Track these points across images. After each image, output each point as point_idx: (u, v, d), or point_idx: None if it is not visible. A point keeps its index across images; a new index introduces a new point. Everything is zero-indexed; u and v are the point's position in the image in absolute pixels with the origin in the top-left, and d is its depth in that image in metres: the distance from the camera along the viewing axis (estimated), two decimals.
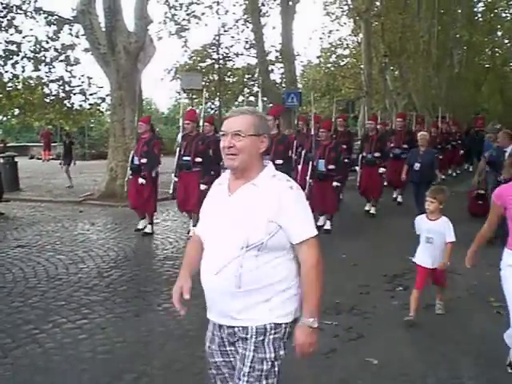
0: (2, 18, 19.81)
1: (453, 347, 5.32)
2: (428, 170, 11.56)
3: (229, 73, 34.03)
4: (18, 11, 20.01)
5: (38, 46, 21.12)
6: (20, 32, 20.46)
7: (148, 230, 10.95)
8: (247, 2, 27.12)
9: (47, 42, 21.18)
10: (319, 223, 10.99)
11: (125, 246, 9.79)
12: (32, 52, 21.08)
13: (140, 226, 11.14)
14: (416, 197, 11.48)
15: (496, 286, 7.22)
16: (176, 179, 10.70)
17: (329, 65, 44.76)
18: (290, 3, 24.77)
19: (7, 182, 16.52)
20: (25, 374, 4.83)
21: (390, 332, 5.75)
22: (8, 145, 30.82)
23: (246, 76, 34.42)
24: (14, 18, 20.12)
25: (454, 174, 22.63)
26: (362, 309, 6.46)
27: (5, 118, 31.15)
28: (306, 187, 10.65)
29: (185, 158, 10.48)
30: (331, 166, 11.00)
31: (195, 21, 28.75)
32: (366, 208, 13.40)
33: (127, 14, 16.39)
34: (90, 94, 23.24)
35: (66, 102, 22.72)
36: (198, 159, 10.34)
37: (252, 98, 36.00)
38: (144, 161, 10.58)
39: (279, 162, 9.42)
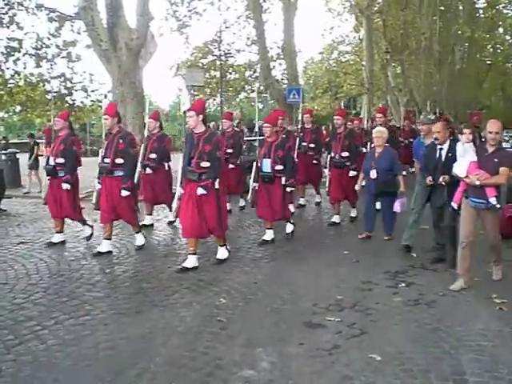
0: (4, 14, 19.74)
1: (455, 343, 5.31)
2: (387, 178, 9.57)
3: (230, 69, 33.99)
4: (20, 8, 19.94)
5: (39, 42, 21.06)
6: (21, 29, 20.39)
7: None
8: None
9: (49, 39, 21.11)
10: (267, 237, 9.79)
11: (127, 243, 9.79)
12: (33, 49, 21.02)
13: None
14: (367, 211, 10.06)
15: (498, 282, 7.27)
16: (99, 186, 9.11)
17: (331, 61, 44.72)
18: (292, 0, 24.72)
19: (9, 178, 16.54)
20: (27, 370, 4.83)
21: (393, 328, 5.74)
22: (10, 141, 30.82)
23: (248, 73, 34.38)
24: (15, 15, 20.04)
25: None
26: (364, 305, 6.45)
27: (6, 115, 31.07)
28: (250, 192, 9.93)
29: (105, 160, 8.99)
30: (279, 167, 9.42)
31: (197, 17, 28.67)
32: (334, 220, 11.51)
33: (129, 10, 16.45)
34: (92, 91, 23.19)
35: (67, 98, 22.69)
36: (119, 160, 8.93)
37: (254, 95, 36.02)
38: (61, 160, 9.40)
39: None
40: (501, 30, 48.72)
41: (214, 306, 6.49)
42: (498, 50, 51.02)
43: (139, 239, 9.50)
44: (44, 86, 22.53)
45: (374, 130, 10.36)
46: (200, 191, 7.79)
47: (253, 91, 33.75)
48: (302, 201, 13.80)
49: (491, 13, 45.31)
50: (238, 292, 7.01)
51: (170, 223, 11.55)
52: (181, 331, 5.70)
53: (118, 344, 5.38)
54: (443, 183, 7.88)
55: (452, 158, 7.67)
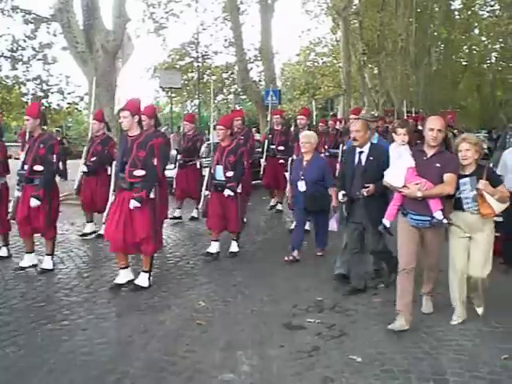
0: None
1: (435, 343, 5.34)
2: (317, 191, 8.33)
3: (208, 71, 33.96)
4: None
5: (15, 44, 20.87)
6: None
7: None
8: (226, 0, 27.04)
9: (24, 41, 20.93)
10: (212, 250, 8.84)
11: (104, 246, 9.67)
12: (9, 51, 20.85)
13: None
14: (298, 228, 8.69)
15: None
16: (19, 194, 8.06)
17: (308, 63, 44.83)
18: (269, 1, 24.75)
19: None
20: (4, 376, 4.77)
21: (373, 329, 5.76)
22: None
23: (225, 74, 34.37)
24: None
25: None
26: (344, 306, 6.46)
27: None
28: (201, 201, 9.19)
29: (24, 167, 8.00)
30: (229, 174, 8.62)
31: (174, 19, 28.72)
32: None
33: (105, 12, 16.30)
34: (68, 93, 23.03)
35: (43, 101, 22.50)
36: (38, 167, 7.92)
37: (231, 96, 36.02)
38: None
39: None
40: (476, 31, 49.27)
41: (194, 309, 6.46)
42: (474, 51, 51.59)
43: (47, 262, 8.14)
44: (20, 88, 22.34)
45: (300, 135, 8.90)
46: (133, 204, 6.91)
47: (230, 93, 33.77)
48: (280, 206, 13.06)
49: (467, 14, 45.80)
50: (218, 295, 6.98)
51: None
52: (160, 335, 5.66)
53: (97, 349, 5.32)
54: (364, 195, 6.65)
55: (376, 163, 6.59)
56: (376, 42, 36.04)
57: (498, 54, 50.48)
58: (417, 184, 5.62)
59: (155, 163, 7.11)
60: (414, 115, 26.68)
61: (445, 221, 5.67)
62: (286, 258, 8.44)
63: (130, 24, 18.62)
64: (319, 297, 6.70)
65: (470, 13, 45.57)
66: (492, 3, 44.17)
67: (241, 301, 6.74)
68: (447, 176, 5.58)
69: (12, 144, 39.53)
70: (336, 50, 40.31)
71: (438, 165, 5.64)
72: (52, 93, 22.43)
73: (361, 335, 5.59)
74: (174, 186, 11.71)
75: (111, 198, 7.35)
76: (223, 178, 8.65)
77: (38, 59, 21.56)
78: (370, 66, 38.28)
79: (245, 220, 9.92)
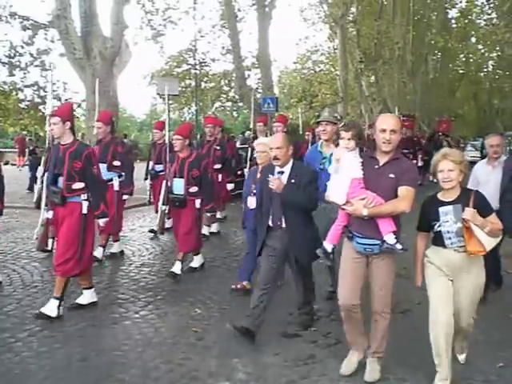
0: None
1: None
2: None
3: (205, 78, 34.00)
4: None
5: (12, 50, 20.96)
6: None
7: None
8: (223, 8, 27.11)
9: (22, 47, 21.02)
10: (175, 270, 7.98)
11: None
12: (7, 57, 20.93)
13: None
14: (248, 256, 7.29)
15: None
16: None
17: (305, 71, 44.94)
18: (267, 9, 24.83)
19: None
20: (0, 382, 4.76)
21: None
22: None
23: (223, 82, 34.42)
24: None
25: None
26: (340, 314, 6.42)
27: None
28: (158, 215, 8.74)
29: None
30: (193, 189, 7.95)
31: (171, 26, 28.81)
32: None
33: (103, 19, 16.36)
34: (66, 100, 23.06)
35: (41, 107, 22.53)
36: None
37: (229, 104, 36.07)
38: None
39: None
40: (473, 39, 49.36)
41: (190, 316, 6.47)
42: (471, 60, 51.67)
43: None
44: (17, 94, 22.39)
45: (255, 143, 7.64)
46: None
47: (228, 100, 33.81)
48: None
49: (464, 23, 45.92)
50: (213, 302, 6.99)
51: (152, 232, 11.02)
52: (156, 342, 5.66)
53: (92, 356, 5.32)
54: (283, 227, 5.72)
55: (296, 187, 5.58)
56: (373, 50, 36.15)
57: (494, 62, 50.53)
58: (362, 199, 4.54)
59: (95, 172, 6.51)
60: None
61: (399, 246, 4.53)
62: (234, 286, 7.36)
63: (128, 31, 18.70)
64: (315, 305, 6.69)
65: (466, 21, 45.66)
66: (489, 12, 44.32)
67: (236, 308, 6.74)
68: (402, 189, 4.51)
69: (8, 150, 39.74)
70: (333, 58, 40.44)
71: (391, 175, 4.56)
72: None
73: None
74: (152, 197, 11.46)
75: (45, 214, 6.78)
76: (182, 192, 7.99)
77: (36, 65, 21.62)
78: (367, 73, 38.36)
79: (207, 234, 10.02)
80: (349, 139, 4.72)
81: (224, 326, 6.14)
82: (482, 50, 49.64)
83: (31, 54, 21.36)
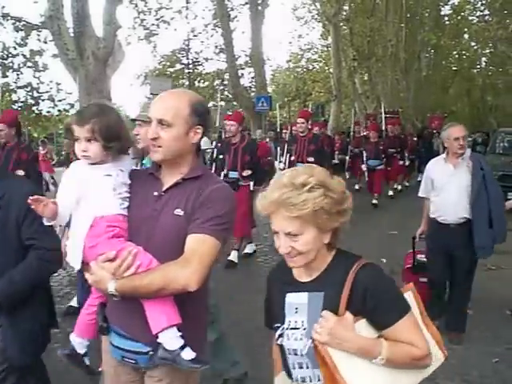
0: None
1: None
2: None
3: (199, 78, 33.99)
4: None
5: (5, 52, 20.91)
6: None
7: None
8: (216, 7, 27.09)
9: (15, 48, 20.97)
10: None
11: None
12: (0, 58, 20.87)
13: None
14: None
15: None
16: None
17: (298, 69, 44.96)
18: (259, 8, 24.83)
19: None
20: None
21: None
22: None
23: (216, 81, 34.42)
24: None
25: (400, 188, 18.47)
26: None
27: None
28: None
29: None
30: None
31: (164, 26, 28.69)
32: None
33: (96, 19, 16.31)
34: (59, 101, 23.05)
35: (34, 108, 22.50)
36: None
37: (223, 103, 36.03)
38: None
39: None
40: (466, 36, 49.44)
41: None
42: (464, 57, 51.73)
43: None
44: (10, 95, 22.33)
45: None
46: None
47: (221, 99, 33.80)
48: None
49: (456, 20, 46.00)
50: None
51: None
52: None
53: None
54: None
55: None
56: (366, 48, 36.15)
57: (487, 59, 50.65)
58: (112, 260, 2.40)
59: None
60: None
61: (185, 356, 2.47)
62: None
63: (121, 31, 18.66)
64: None
65: (459, 18, 45.77)
66: (481, 8, 44.42)
67: (233, 306, 6.73)
68: (192, 240, 2.43)
69: None
70: (326, 56, 40.42)
71: (177, 210, 2.49)
72: (43, 100, 22.46)
73: None
74: None
75: None
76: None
77: (29, 66, 21.59)
78: (360, 71, 38.38)
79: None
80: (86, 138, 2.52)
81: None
82: (475, 47, 49.74)
83: (24, 55, 21.32)
